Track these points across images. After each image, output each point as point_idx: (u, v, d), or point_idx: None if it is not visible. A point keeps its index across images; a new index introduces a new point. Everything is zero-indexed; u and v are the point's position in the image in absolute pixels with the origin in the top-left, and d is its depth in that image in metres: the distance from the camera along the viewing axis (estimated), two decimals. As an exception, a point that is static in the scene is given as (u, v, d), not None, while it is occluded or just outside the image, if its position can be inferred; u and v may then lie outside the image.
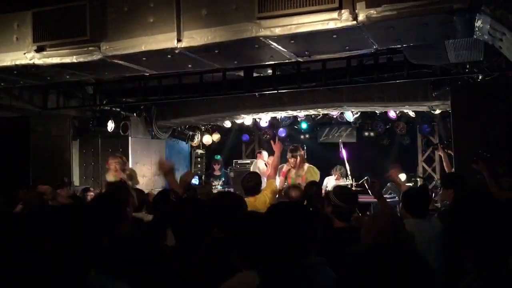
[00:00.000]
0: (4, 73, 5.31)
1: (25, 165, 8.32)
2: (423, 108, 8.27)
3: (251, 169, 9.14)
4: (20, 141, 8.46)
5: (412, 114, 9.12)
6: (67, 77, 5.60)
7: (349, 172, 8.66)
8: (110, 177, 7.01)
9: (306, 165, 6.81)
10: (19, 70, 5.15)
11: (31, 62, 4.88)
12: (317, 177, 6.69)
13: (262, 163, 9.13)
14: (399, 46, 4.58)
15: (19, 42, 4.94)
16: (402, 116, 9.56)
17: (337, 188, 4.13)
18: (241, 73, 6.86)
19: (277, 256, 1.96)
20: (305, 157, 7.28)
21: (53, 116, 8.46)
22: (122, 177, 6.79)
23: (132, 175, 7.07)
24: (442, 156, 6.66)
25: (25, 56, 4.88)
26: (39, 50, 4.77)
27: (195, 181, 8.92)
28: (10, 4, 4.97)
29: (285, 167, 6.89)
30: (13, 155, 8.34)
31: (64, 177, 6.52)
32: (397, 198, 7.38)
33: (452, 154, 6.47)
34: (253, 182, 4.77)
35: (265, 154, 9.46)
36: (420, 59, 5.56)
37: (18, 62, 4.95)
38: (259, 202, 4.61)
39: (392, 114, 9.34)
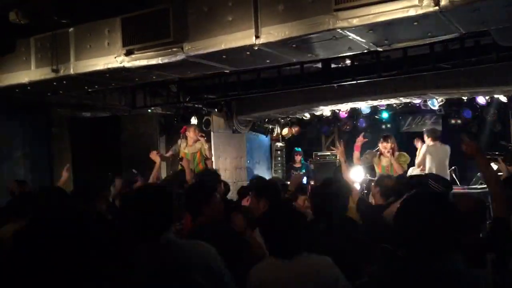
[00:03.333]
0: (98, 76, 5.72)
1: (117, 161, 8.93)
2: (516, 92, 7.73)
3: None
4: (112, 139, 9.10)
5: (503, 99, 8.55)
6: (153, 77, 5.92)
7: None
8: (183, 144, 7.36)
9: (396, 153, 6.96)
10: (111, 73, 5.53)
11: (121, 65, 5.22)
12: (407, 161, 6.87)
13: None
14: (486, 29, 4.32)
15: (110, 47, 5.30)
16: (492, 101, 9.00)
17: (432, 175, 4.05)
18: (319, 65, 6.84)
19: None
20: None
21: (141, 114, 8.98)
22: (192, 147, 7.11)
23: (202, 147, 7.34)
24: None
25: (116, 59, 5.23)
26: (128, 53, 5.09)
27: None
28: (101, 12, 5.34)
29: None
30: (106, 152, 8.99)
31: (133, 169, 6.96)
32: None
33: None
34: None
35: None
36: (510, 41, 5.21)
37: (110, 66, 5.32)
38: None
39: (481, 100, 8.83)
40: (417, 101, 9.12)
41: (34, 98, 7.00)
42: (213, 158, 9.42)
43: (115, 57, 5.24)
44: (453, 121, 10.08)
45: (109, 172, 6.82)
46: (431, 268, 1.68)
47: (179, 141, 7.59)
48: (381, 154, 7.08)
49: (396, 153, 7.06)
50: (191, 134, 7.35)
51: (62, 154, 8.29)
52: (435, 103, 9.10)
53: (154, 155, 6.10)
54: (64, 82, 5.94)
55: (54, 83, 6.01)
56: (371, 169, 7.87)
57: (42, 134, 8.01)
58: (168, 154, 7.97)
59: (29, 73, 5.97)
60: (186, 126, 7.62)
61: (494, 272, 2.29)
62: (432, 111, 9.79)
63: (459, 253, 1.75)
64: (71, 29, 5.58)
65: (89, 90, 6.77)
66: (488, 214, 3.24)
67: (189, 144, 7.34)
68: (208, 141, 9.50)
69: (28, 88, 6.17)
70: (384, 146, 7.02)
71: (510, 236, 2.62)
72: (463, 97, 8.64)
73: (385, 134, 7.36)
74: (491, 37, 5.23)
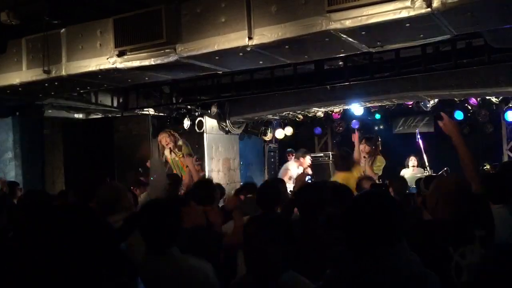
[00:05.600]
0: (90, 78, 5.68)
1: (110, 163, 8.88)
2: (507, 93, 7.79)
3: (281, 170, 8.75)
4: (105, 140, 9.05)
5: (495, 100, 8.62)
6: (146, 78, 5.90)
7: (427, 163, 8.39)
8: (167, 152, 7.36)
9: (378, 157, 6.80)
10: (103, 74, 5.49)
11: (113, 66, 5.19)
12: (382, 166, 6.71)
13: (294, 166, 8.48)
14: (478, 30, 4.35)
15: (102, 48, 5.26)
16: (484, 103, 9.06)
17: (428, 177, 4.04)
18: (312, 66, 6.85)
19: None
20: (380, 148, 7.23)
21: (133, 116, 8.94)
22: (174, 149, 7.12)
23: (182, 146, 7.35)
24: None
25: (108, 61, 5.20)
26: (121, 54, 5.06)
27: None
28: (93, 13, 5.32)
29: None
30: (99, 154, 8.94)
31: (140, 168, 7.01)
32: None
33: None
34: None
35: (307, 159, 8.51)
36: (503, 42, 5.24)
37: (102, 67, 5.29)
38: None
39: (473, 101, 8.89)
40: (409, 102, 9.16)
41: (26, 100, 6.95)
42: (206, 159, 9.43)
43: (107, 58, 5.21)
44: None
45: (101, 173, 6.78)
46: (378, 267, 1.72)
47: (163, 150, 7.62)
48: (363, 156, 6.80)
49: (377, 156, 6.86)
50: (162, 141, 7.37)
51: (54, 155, 8.25)
52: (427, 104, 9.15)
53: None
54: (56, 83, 5.90)
55: (46, 84, 5.97)
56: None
57: (35, 136, 7.96)
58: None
59: (20, 74, 5.92)
60: (160, 133, 7.60)
61: (482, 247, 2.38)
62: (424, 112, 9.84)
63: (404, 248, 1.79)
64: (62, 30, 5.54)
65: (81, 91, 6.73)
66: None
67: (172, 151, 7.37)
68: (201, 142, 9.53)
69: (20, 89, 6.12)
70: (363, 148, 6.79)
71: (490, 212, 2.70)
72: (455, 99, 8.69)
73: (367, 136, 7.14)
74: (482, 38, 5.28)
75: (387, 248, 1.75)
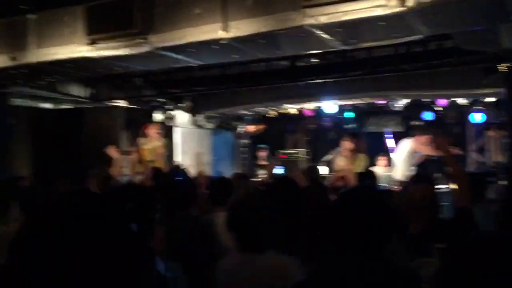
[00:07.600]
0: (59, 66, 5.54)
1: (78, 155, 8.68)
2: (475, 96, 7.98)
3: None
4: (74, 132, 8.84)
5: (463, 102, 8.82)
6: (118, 69, 5.78)
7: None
8: (142, 141, 7.36)
9: (360, 155, 6.85)
10: (73, 63, 5.36)
11: (84, 55, 5.07)
12: (363, 164, 6.74)
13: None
14: (450, 31, 4.44)
15: (73, 36, 5.13)
16: (452, 104, 9.26)
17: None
18: (286, 63, 6.86)
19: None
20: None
21: (104, 107, 8.76)
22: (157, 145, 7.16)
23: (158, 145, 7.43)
24: (493, 137, 6.47)
25: (79, 49, 5.08)
26: (92, 43, 4.95)
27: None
28: None
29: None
30: (67, 146, 8.73)
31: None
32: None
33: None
34: None
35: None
36: (472, 45, 5.36)
37: (72, 55, 5.16)
38: None
39: (441, 102, 9.07)
40: (381, 101, 9.28)
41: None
42: (177, 154, 9.34)
43: (78, 47, 5.08)
44: (413, 123, 10.31)
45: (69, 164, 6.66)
46: (366, 262, 1.70)
47: (139, 138, 7.58)
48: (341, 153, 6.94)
49: (359, 154, 6.93)
50: (152, 131, 7.38)
51: (20, 146, 8.00)
52: (399, 104, 9.29)
53: (112, 151, 5.97)
54: (24, 71, 5.72)
55: (13, 72, 5.78)
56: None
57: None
58: (131, 149, 7.87)
59: (-14, 61, 5.72)
60: (148, 125, 7.64)
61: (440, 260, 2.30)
62: (395, 112, 9.99)
63: (395, 245, 1.79)
64: (32, 16, 5.37)
65: (50, 80, 6.54)
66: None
67: (149, 141, 7.37)
68: (173, 136, 9.43)
69: (-15, 76, 5.92)
70: (345, 145, 6.87)
71: (472, 225, 2.65)
72: (425, 99, 8.85)
73: (351, 133, 7.21)
74: (453, 40, 5.38)
75: (384, 245, 1.73)
